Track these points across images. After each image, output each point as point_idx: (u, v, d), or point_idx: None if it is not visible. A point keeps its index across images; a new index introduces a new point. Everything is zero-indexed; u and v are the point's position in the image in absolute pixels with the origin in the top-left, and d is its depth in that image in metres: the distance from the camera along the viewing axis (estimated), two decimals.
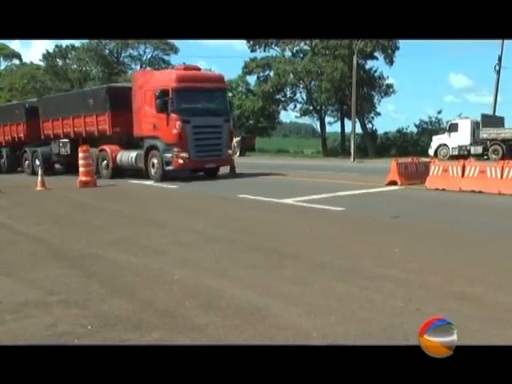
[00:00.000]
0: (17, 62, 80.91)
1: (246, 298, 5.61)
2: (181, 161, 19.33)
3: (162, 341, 4.50)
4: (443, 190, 14.60)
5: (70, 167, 25.20)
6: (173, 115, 19.40)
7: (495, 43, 41.61)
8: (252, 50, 56.97)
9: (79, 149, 21.03)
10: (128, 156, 21.37)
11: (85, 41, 67.50)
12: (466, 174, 14.49)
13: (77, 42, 71.59)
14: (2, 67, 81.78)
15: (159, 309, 5.41)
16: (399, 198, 13.83)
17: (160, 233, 9.52)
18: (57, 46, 70.09)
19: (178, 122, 19.29)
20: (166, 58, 68.27)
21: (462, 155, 30.87)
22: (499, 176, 13.71)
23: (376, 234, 8.94)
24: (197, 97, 20.19)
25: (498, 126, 33.95)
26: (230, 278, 6.40)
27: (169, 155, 19.51)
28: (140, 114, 20.67)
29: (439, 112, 52.93)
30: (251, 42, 55.62)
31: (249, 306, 5.35)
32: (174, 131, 19.26)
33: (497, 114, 40.34)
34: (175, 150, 19.30)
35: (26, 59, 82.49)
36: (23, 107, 28.56)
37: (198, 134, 19.71)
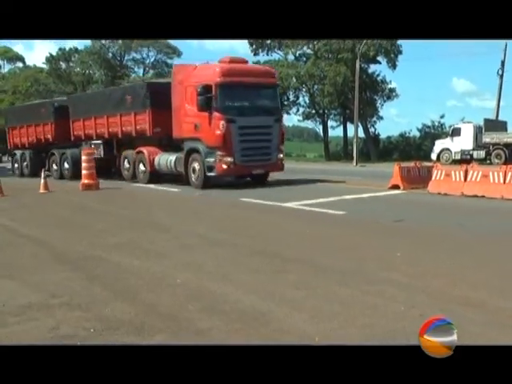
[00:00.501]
0: (20, 64, 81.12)
1: (249, 302, 5.60)
2: (225, 166, 17.28)
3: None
4: (445, 194, 14.58)
5: (104, 171, 23.33)
6: (216, 114, 17.27)
7: (498, 48, 41.65)
8: (255, 54, 56.98)
9: (82, 151, 21.07)
10: (167, 159, 19.35)
11: (88, 44, 67.81)
12: (468, 179, 14.47)
13: (80, 45, 71.87)
14: (6, 70, 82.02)
15: (162, 312, 5.41)
16: (402, 202, 13.82)
17: (163, 236, 9.53)
18: (60, 49, 70.30)
19: (221, 122, 17.17)
20: (169, 61, 68.33)
21: (465, 160, 30.84)
22: (502, 181, 13.68)
23: (378, 238, 8.93)
24: (244, 93, 18.04)
25: (500, 130, 33.88)
26: (234, 282, 6.40)
27: (211, 159, 17.39)
28: (180, 113, 18.63)
29: (442, 116, 52.89)
30: (254, 46, 55.64)
31: (252, 310, 5.34)
32: (218, 132, 17.16)
33: (499, 118, 40.30)
34: (218, 153, 17.18)
35: (30, 62, 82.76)
36: (52, 106, 26.66)
37: (244, 135, 17.49)
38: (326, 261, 7.31)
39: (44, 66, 71.61)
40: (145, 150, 20.35)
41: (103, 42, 66.21)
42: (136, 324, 5.02)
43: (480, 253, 7.80)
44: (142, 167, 20.62)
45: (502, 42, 41.05)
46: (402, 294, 5.66)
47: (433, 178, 15.47)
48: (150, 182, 19.97)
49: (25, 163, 28.34)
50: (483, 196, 13.74)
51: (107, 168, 23.22)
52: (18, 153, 29.05)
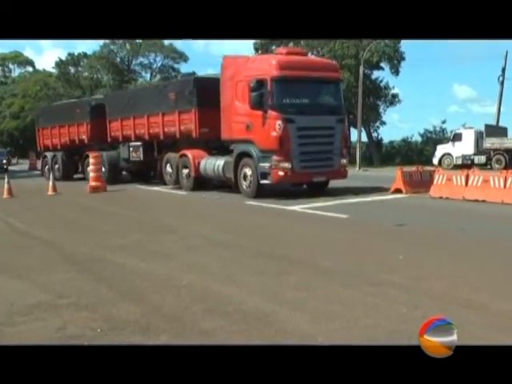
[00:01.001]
0: (30, 69, 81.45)
1: (252, 303, 5.59)
2: (281, 173, 14.70)
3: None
4: (447, 198, 14.54)
5: (141, 175, 22.54)
6: (272, 113, 14.75)
7: (499, 54, 41.61)
8: None
9: (90, 155, 21.01)
10: (214, 164, 16.91)
11: (96, 49, 67.98)
12: (469, 184, 14.42)
13: (89, 50, 72.05)
14: (16, 74, 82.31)
15: (167, 313, 5.41)
16: (404, 206, 13.78)
17: (169, 237, 9.54)
18: (69, 54, 70.56)
19: (278, 122, 14.62)
20: (175, 66, 68.49)
21: (466, 164, 30.76)
22: (502, 186, 13.64)
23: (381, 241, 8.91)
24: (303, 89, 15.45)
25: (501, 136, 33.80)
26: (238, 284, 6.39)
27: (266, 165, 14.83)
28: (230, 112, 16.13)
29: (443, 122, 52.70)
30: (259, 52, 55.65)
31: (256, 311, 5.33)
32: (273, 134, 14.60)
33: (500, 124, 40.21)
34: (274, 158, 14.65)
35: (39, 66, 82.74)
36: (88, 105, 24.49)
37: (304, 137, 14.93)
38: (329, 263, 7.29)
39: (53, 70, 71.93)
40: (189, 153, 17.93)
41: (111, 47, 66.44)
42: (142, 324, 5.02)
43: (481, 256, 7.77)
44: (185, 172, 18.24)
45: (503, 48, 41.05)
46: (403, 296, 5.64)
47: (434, 182, 15.41)
48: (194, 188, 17.77)
49: (56, 166, 26.05)
50: (484, 200, 13.70)
51: (146, 172, 22.15)
52: (49, 155, 26.93)
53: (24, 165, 44.11)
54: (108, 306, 5.65)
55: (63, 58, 70.20)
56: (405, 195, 15.74)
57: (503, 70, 41.91)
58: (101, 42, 63.35)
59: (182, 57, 67.70)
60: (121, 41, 65.67)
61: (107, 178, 21.34)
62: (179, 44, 66.56)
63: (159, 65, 68.92)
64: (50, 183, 18.62)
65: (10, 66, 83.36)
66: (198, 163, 17.55)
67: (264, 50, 54.88)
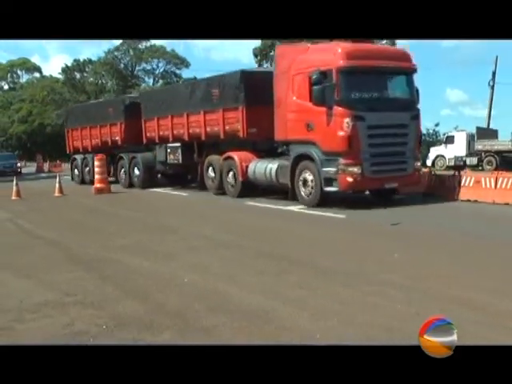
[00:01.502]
0: (37, 75, 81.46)
1: (253, 301, 5.59)
2: (350, 178, 12.34)
3: (173, 341, 4.49)
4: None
5: (177, 179, 20.49)
6: (338, 109, 12.42)
7: (490, 60, 41.68)
8: (260, 65, 56.98)
9: (95, 157, 20.90)
10: (265, 168, 14.61)
11: (101, 55, 68.03)
12: (461, 184, 14.43)
13: (94, 57, 72.11)
14: (24, 80, 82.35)
15: (170, 310, 5.41)
16: (399, 205, 13.73)
17: (172, 238, 9.54)
18: (75, 60, 70.69)
19: (346, 120, 12.31)
20: (177, 71, 68.53)
21: (458, 166, 30.79)
22: (493, 186, 13.63)
23: (377, 241, 8.89)
24: (373, 81, 13.27)
25: (491, 138, 33.84)
26: (239, 283, 6.39)
27: (331, 169, 12.52)
28: (285, 109, 13.79)
29: (436, 125, 52.90)
30: (258, 57, 55.71)
31: (256, 309, 5.33)
32: (341, 133, 12.27)
33: (491, 126, 40.31)
34: (342, 161, 12.34)
35: (46, 72, 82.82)
36: (122, 104, 22.12)
37: (374, 137, 12.64)
38: (328, 263, 7.28)
39: (60, 76, 71.97)
40: (235, 155, 15.67)
41: (115, 53, 66.51)
42: (146, 321, 5.02)
43: (478, 255, 7.68)
44: (231, 177, 15.96)
45: (493, 53, 41.11)
46: (402, 295, 5.62)
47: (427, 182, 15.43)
48: (241, 194, 15.53)
49: (87, 169, 24.02)
50: (476, 200, 13.69)
51: (183, 175, 20.29)
52: (79, 157, 24.97)
53: (31, 167, 44.08)
54: (113, 304, 5.66)
55: (69, 64, 70.34)
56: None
57: (493, 74, 41.98)
58: (105, 48, 63.47)
59: (184, 62, 67.79)
60: (124, 47, 65.80)
61: (142, 182, 20.35)
62: (181, 50, 66.73)
63: (161, 70, 68.99)
64: (57, 185, 18.61)
65: (19, 72, 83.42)
66: (246, 167, 15.29)
67: (263, 55, 55.12)
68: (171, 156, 19.04)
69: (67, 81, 69.58)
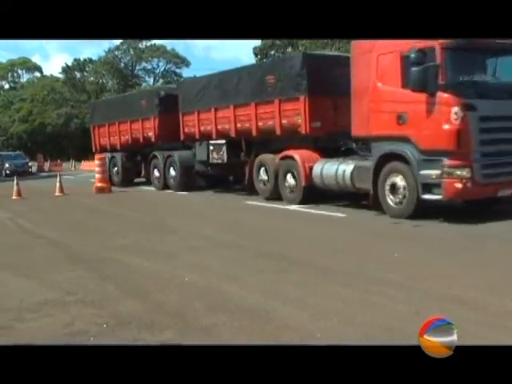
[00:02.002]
0: (38, 74, 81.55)
1: (253, 300, 5.60)
2: (458, 184, 9.72)
3: (173, 340, 4.50)
4: None
5: (218, 181, 18.52)
6: (443, 96, 9.82)
7: None
8: None
9: (95, 156, 20.84)
10: (337, 169, 12.05)
11: (101, 54, 68.09)
12: None
13: (94, 56, 72.17)
14: (25, 79, 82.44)
15: (170, 310, 5.42)
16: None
17: (171, 237, 9.55)
18: (75, 60, 70.73)
19: (454, 110, 9.70)
20: (178, 70, 68.56)
21: None
22: None
23: (377, 240, 8.89)
24: (484, 62, 10.74)
25: None
26: (239, 282, 6.40)
27: (433, 172, 9.96)
28: (367, 98, 11.25)
29: None
30: (259, 56, 55.72)
31: (256, 308, 5.33)
32: (447, 127, 9.72)
33: None
34: (447, 162, 9.77)
35: (47, 72, 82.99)
36: (156, 96, 19.71)
37: (488, 132, 10.01)
38: (327, 262, 7.28)
39: (60, 75, 72.02)
40: (297, 154, 13.31)
41: (115, 52, 66.55)
42: (146, 321, 5.03)
43: (478, 255, 7.67)
44: (290, 180, 13.60)
45: None
46: (401, 295, 5.61)
47: None
48: (303, 201, 13.19)
49: (115, 169, 21.75)
50: None
51: (224, 177, 18.24)
52: (106, 157, 22.22)
53: (32, 167, 44.05)
54: (113, 303, 5.67)
55: (69, 64, 70.39)
56: None
57: None
58: (106, 47, 63.57)
59: (184, 62, 67.85)
60: (125, 46, 65.83)
61: (178, 184, 18.31)
62: (181, 49, 66.78)
63: (162, 70, 69.02)
64: (58, 184, 18.62)
65: (19, 71, 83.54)
66: (310, 168, 12.89)
67: (263, 55, 55.16)
68: (214, 155, 16.59)
69: (67, 80, 69.62)
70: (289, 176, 13.60)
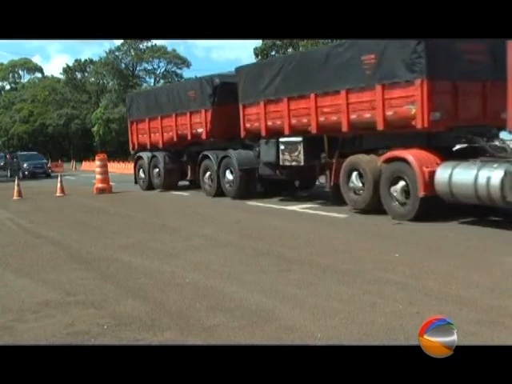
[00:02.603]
0: (39, 75, 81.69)
1: (254, 300, 5.60)
2: None
3: (174, 340, 4.51)
4: None
5: (282, 188, 15.75)
6: None
7: None
8: None
9: (96, 157, 20.78)
10: (476, 176, 9.02)
11: (102, 55, 68.14)
12: None
13: (95, 57, 72.18)
14: (26, 80, 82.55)
15: (171, 310, 5.42)
16: None
17: (172, 237, 9.55)
18: (76, 61, 70.83)
19: None
20: (178, 71, 68.57)
21: None
22: None
23: (378, 240, 8.89)
24: None
25: None
26: (239, 282, 6.40)
27: None
28: None
29: None
30: (259, 57, 55.79)
31: (257, 308, 5.34)
32: None
33: None
34: None
35: (47, 72, 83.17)
36: (209, 84, 16.30)
37: None
38: (328, 261, 7.29)
39: (61, 76, 72.13)
40: (410, 155, 10.22)
41: (116, 53, 66.57)
42: (147, 321, 5.04)
43: (475, 254, 7.71)
44: (398, 190, 10.51)
45: None
46: (400, 294, 5.63)
47: None
48: (418, 216, 10.17)
49: (155, 170, 19.26)
50: None
51: (289, 183, 15.60)
52: (146, 156, 19.79)
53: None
54: (114, 304, 5.67)
55: (70, 65, 70.47)
56: None
57: None
58: (106, 48, 63.64)
59: (185, 62, 67.83)
60: (125, 47, 65.86)
61: (237, 190, 15.29)
62: (181, 50, 66.84)
63: (163, 70, 69.00)
64: (58, 185, 18.65)
65: (20, 72, 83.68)
66: (430, 173, 9.85)
67: (264, 55, 55.26)
68: (286, 155, 13.54)
69: (68, 81, 69.72)
70: (400, 185, 10.44)
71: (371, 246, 8.43)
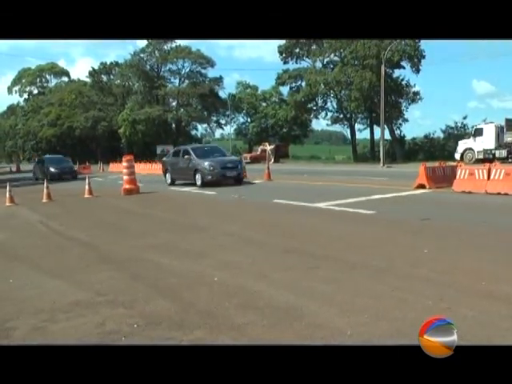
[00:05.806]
0: (65, 79, 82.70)
1: (282, 298, 5.58)
2: None
3: (204, 339, 4.51)
4: (470, 192, 14.37)
5: None
6: None
7: None
8: (284, 62, 57.23)
9: (123, 158, 20.98)
10: None
11: (127, 57, 68.64)
12: (491, 177, 14.24)
13: (120, 59, 72.67)
14: (53, 84, 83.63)
15: (200, 309, 5.42)
16: (428, 201, 13.63)
17: (201, 236, 9.58)
18: (101, 63, 71.57)
19: None
20: (203, 71, 68.81)
21: (488, 159, 30.33)
22: None
23: (406, 236, 8.82)
24: None
25: None
26: (268, 279, 6.39)
27: None
28: None
29: (464, 117, 52.07)
30: (284, 55, 55.81)
31: (286, 305, 5.32)
32: None
33: None
34: None
35: (74, 76, 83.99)
36: None
37: None
38: (356, 258, 7.24)
39: (87, 79, 72.91)
40: None
41: (141, 55, 67.07)
42: (176, 320, 5.05)
43: (505, 249, 7.63)
44: None
45: None
46: (430, 289, 5.57)
47: (457, 177, 15.25)
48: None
49: None
50: (506, 194, 13.50)
51: None
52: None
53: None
54: (143, 303, 5.69)
55: (96, 68, 71.20)
56: (428, 190, 15.59)
57: None
58: (130, 50, 64.22)
59: (209, 62, 68.07)
60: (150, 49, 66.30)
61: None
62: (203, 49, 67.04)
63: (187, 70, 69.32)
64: (87, 187, 18.85)
65: (47, 76, 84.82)
66: None
67: (288, 52, 55.25)
68: None
69: (94, 84, 70.51)
70: None
71: (399, 241, 8.36)
